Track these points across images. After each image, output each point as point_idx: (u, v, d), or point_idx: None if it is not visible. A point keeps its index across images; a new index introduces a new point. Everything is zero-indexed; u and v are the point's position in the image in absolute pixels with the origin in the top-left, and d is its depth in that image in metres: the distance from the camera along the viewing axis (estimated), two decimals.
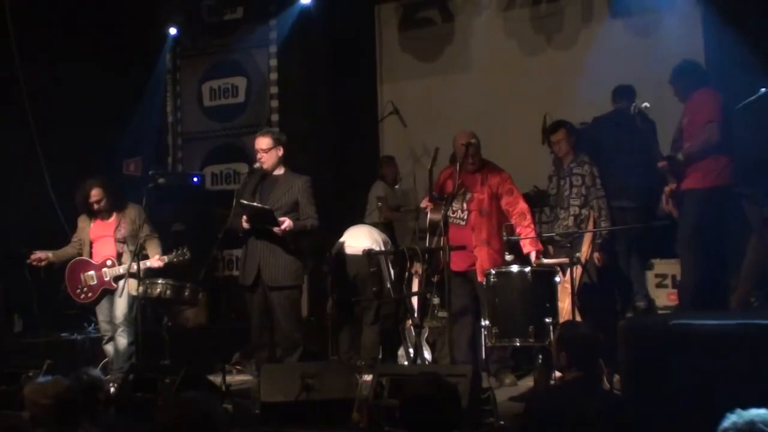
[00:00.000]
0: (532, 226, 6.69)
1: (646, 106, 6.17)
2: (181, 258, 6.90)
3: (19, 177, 8.39)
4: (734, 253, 6.34)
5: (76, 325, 8.07)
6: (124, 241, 7.04)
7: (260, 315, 6.57)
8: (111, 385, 6.33)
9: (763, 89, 5.89)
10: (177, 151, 10.55)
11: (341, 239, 7.55)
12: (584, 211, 6.78)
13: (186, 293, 6.84)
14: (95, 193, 7.01)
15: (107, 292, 7.00)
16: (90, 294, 7.01)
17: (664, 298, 7.44)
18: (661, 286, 7.48)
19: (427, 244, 6.72)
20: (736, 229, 6.32)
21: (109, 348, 7.03)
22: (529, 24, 9.35)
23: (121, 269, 6.95)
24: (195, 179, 9.83)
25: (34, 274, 7.63)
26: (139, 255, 6.88)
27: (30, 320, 8.44)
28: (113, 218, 7.09)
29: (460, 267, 6.58)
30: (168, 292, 6.75)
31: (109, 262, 6.99)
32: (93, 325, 7.93)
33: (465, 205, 6.70)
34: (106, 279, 6.97)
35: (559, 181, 7.01)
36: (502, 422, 5.11)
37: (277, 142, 6.67)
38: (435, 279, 6.89)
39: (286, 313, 6.51)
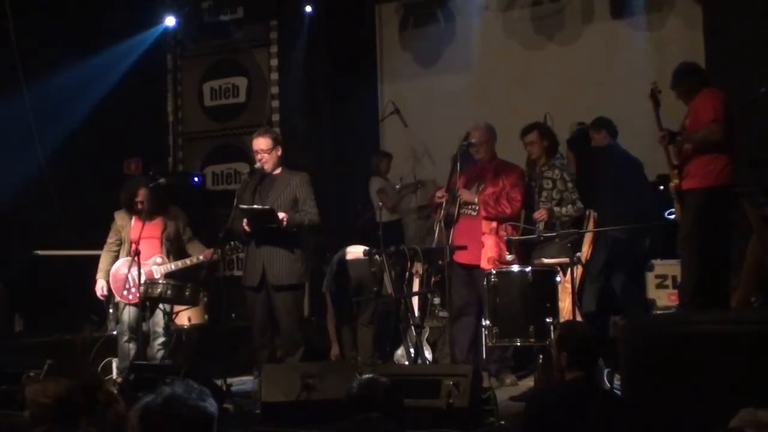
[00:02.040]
0: (505, 210, 6.66)
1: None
2: (235, 251, 6.89)
3: (20, 177, 8.38)
4: (734, 252, 6.34)
5: (77, 325, 8.06)
6: (170, 241, 7.00)
7: (263, 315, 6.57)
8: (114, 385, 6.34)
9: (763, 89, 5.88)
10: (177, 151, 10.55)
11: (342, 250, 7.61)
12: (564, 210, 6.82)
13: (187, 293, 6.81)
14: (142, 194, 6.95)
15: None
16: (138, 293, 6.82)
17: (665, 298, 7.44)
18: (662, 287, 7.47)
19: (435, 238, 6.73)
20: (736, 228, 6.32)
21: (129, 347, 6.87)
22: (529, 24, 9.35)
23: (172, 266, 6.91)
24: (195, 179, 9.84)
25: (34, 273, 7.63)
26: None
27: (31, 320, 8.46)
28: (158, 220, 7.00)
29: (467, 260, 6.59)
30: (169, 292, 6.72)
31: (158, 260, 6.91)
32: (94, 324, 7.94)
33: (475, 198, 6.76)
34: (156, 276, 6.86)
35: (530, 182, 7.03)
36: (502, 422, 5.11)
37: (276, 142, 6.68)
38: (435, 279, 6.89)
39: (288, 312, 6.52)
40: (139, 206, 6.97)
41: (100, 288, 7.00)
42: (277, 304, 6.51)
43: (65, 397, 3.63)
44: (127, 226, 7.02)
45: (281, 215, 6.36)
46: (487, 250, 6.58)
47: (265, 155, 6.59)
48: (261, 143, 6.63)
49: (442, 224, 6.68)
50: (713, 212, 5.99)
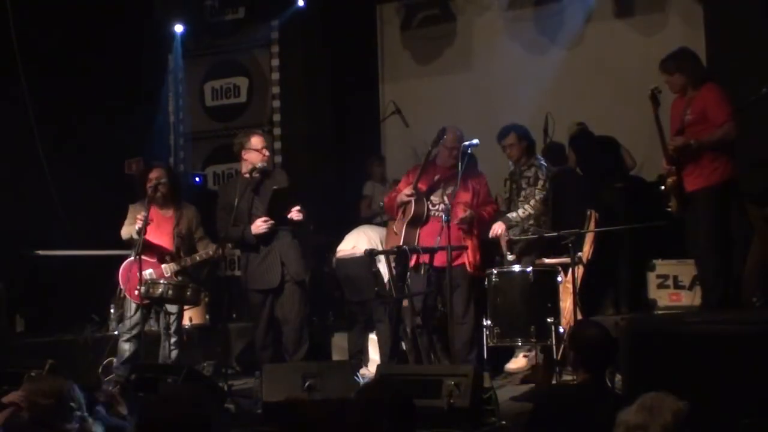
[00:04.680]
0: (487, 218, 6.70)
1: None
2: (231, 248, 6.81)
3: (21, 177, 8.39)
4: (736, 252, 6.34)
5: (77, 325, 8.06)
6: (182, 237, 6.87)
7: (268, 315, 6.55)
8: (114, 385, 6.34)
9: (765, 89, 5.85)
10: (179, 151, 10.55)
11: (339, 245, 7.59)
12: (521, 210, 6.72)
13: (188, 293, 6.78)
14: (157, 171, 6.82)
15: None
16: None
17: (666, 298, 7.42)
18: (663, 287, 7.46)
19: (402, 237, 6.70)
20: (737, 228, 6.31)
21: (126, 347, 6.78)
22: (530, 24, 9.34)
23: (182, 263, 6.80)
24: (197, 179, 9.84)
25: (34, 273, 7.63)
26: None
27: (31, 320, 8.46)
28: (171, 213, 6.88)
29: (440, 262, 6.57)
30: (170, 292, 6.68)
31: (168, 258, 6.80)
32: (94, 323, 7.94)
33: (446, 199, 6.71)
34: (167, 275, 6.77)
35: (511, 185, 7.00)
36: (503, 422, 5.11)
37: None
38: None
39: (296, 311, 6.52)
40: (154, 184, 6.72)
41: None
42: (288, 302, 6.50)
43: (65, 396, 3.62)
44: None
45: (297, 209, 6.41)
46: (467, 254, 6.54)
47: (267, 153, 6.63)
48: (262, 141, 6.68)
49: (414, 223, 6.65)
50: (724, 208, 5.93)
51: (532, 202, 6.71)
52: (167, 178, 6.86)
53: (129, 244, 6.87)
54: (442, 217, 6.52)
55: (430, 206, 6.66)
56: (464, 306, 6.50)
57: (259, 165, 6.60)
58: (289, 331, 6.54)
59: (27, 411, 3.65)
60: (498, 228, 6.64)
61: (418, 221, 6.63)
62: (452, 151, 6.69)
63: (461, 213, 6.53)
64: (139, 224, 6.54)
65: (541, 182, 6.78)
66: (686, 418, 2.57)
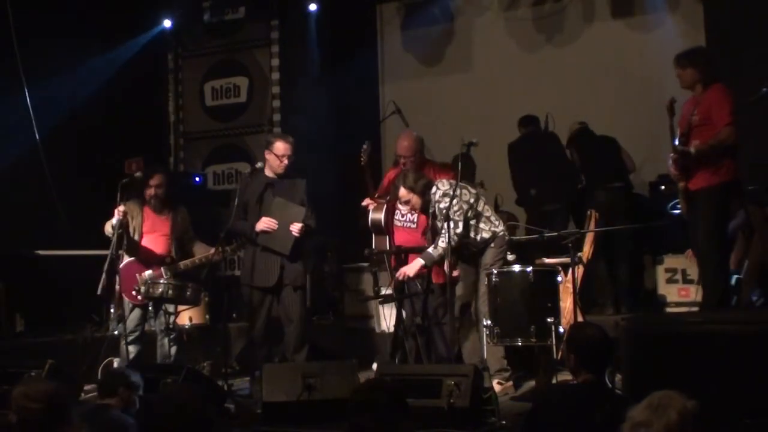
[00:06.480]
0: None
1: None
2: (238, 250, 6.81)
3: (21, 177, 8.38)
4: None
5: (77, 325, 8.06)
6: (179, 239, 6.93)
7: (266, 315, 6.57)
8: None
9: (765, 89, 5.85)
10: (179, 151, 10.55)
11: None
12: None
13: (188, 293, 6.78)
14: (157, 178, 6.87)
15: None
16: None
17: (675, 294, 7.40)
18: (672, 281, 7.44)
19: (372, 245, 6.70)
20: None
21: (130, 349, 6.76)
22: (530, 24, 9.35)
23: (181, 265, 6.84)
24: (197, 179, 9.84)
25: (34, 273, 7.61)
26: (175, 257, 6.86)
27: (31, 320, 8.46)
28: (167, 215, 6.94)
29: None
30: (170, 292, 6.67)
31: (168, 260, 6.85)
32: (94, 323, 7.93)
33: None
34: (166, 277, 6.78)
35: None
36: (503, 422, 5.11)
37: None
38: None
39: (299, 311, 6.55)
40: (153, 192, 6.87)
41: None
42: (289, 303, 6.53)
43: (54, 399, 3.60)
44: (139, 216, 6.89)
45: (299, 226, 6.41)
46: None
47: (286, 162, 6.58)
48: (286, 149, 6.58)
49: (377, 231, 6.64)
50: (727, 207, 5.92)
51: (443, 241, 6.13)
52: (166, 184, 6.91)
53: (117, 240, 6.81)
54: (411, 227, 6.54)
55: (400, 216, 6.64)
56: (442, 310, 6.46)
57: (258, 165, 6.62)
58: (291, 331, 6.56)
59: (16, 414, 3.63)
60: (409, 270, 6.23)
61: (378, 230, 6.64)
62: (401, 159, 6.74)
63: (425, 219, 6.48)
64: (117, 217, 6.58)
65: (455, 205, 6.10)
66: (695, 419, 2.55)
